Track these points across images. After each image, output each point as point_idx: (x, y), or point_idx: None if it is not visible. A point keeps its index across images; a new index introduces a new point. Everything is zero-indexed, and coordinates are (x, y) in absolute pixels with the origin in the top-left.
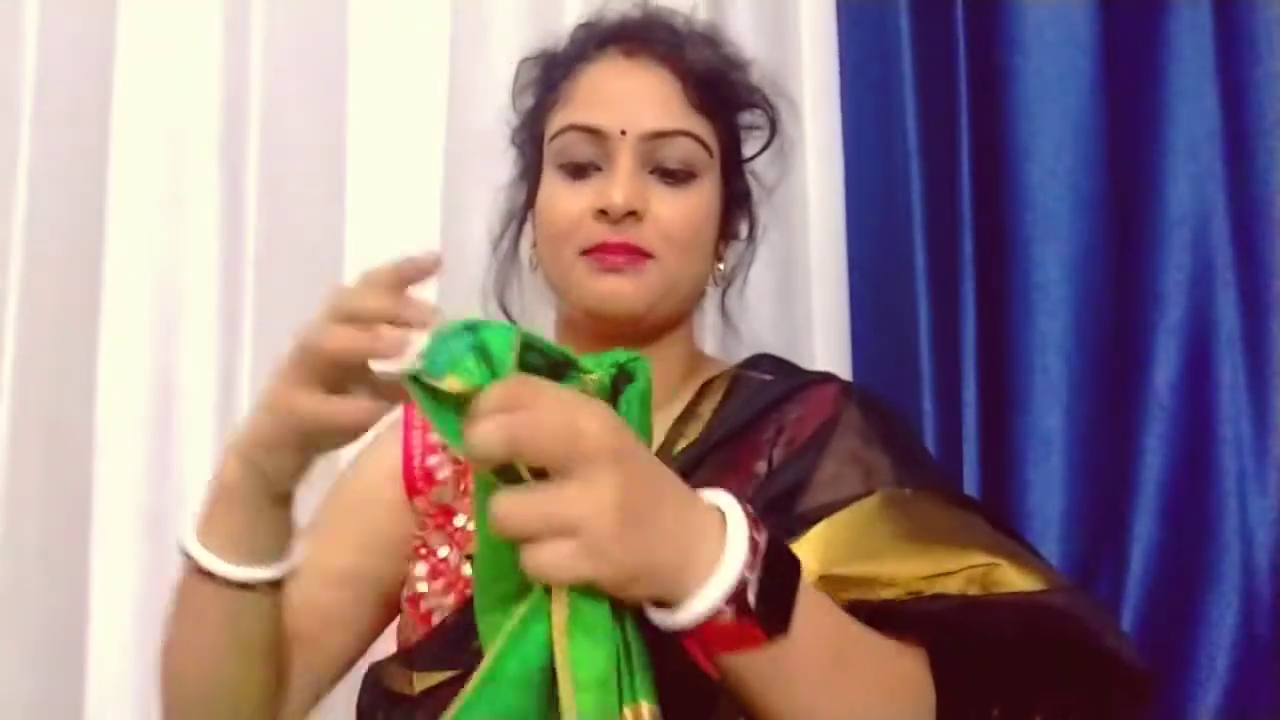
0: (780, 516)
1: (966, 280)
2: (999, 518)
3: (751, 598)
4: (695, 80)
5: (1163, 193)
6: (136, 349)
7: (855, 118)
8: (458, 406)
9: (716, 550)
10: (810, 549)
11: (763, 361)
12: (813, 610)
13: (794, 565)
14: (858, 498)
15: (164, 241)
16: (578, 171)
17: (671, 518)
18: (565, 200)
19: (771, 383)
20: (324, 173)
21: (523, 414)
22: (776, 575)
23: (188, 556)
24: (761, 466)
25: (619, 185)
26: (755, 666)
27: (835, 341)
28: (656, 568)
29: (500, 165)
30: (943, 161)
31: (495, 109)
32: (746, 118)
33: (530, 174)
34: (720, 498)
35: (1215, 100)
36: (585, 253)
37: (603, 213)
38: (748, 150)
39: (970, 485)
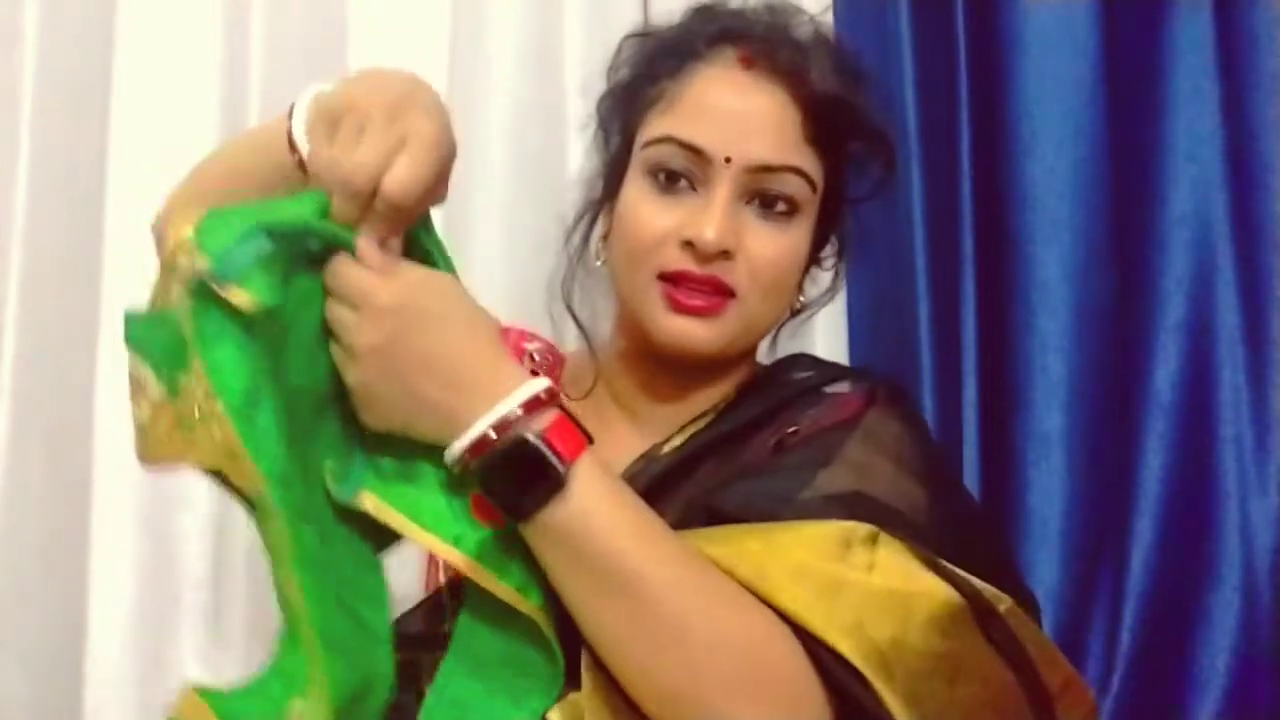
0: (765, 497)
1: (966, 280)
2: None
3: (475, 472)
4: (816, 109)
5: (1163, 193)
6: None
7: None
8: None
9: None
10: (746, 540)
11: (800, 361)
12: (599, 518)
13: (542, 465)
14: (841, 493)
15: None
16: (670, 187)
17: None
18: (652, 216)
19: (795, 383)
20: None
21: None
22: (525, 462)
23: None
24: (757, 455)
25: (714, 221)
26: (531, 539)
27: (835, 340)
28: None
29: (500, 166)
30: (943, 161)
31: (495, 109)
32: (859, 145)
33: (613, 168)
34: (537, 382)
35: (1215, 100)
36: (663, 277)
37: (690, 244)
38: (851, 176)
39: (970, 485)
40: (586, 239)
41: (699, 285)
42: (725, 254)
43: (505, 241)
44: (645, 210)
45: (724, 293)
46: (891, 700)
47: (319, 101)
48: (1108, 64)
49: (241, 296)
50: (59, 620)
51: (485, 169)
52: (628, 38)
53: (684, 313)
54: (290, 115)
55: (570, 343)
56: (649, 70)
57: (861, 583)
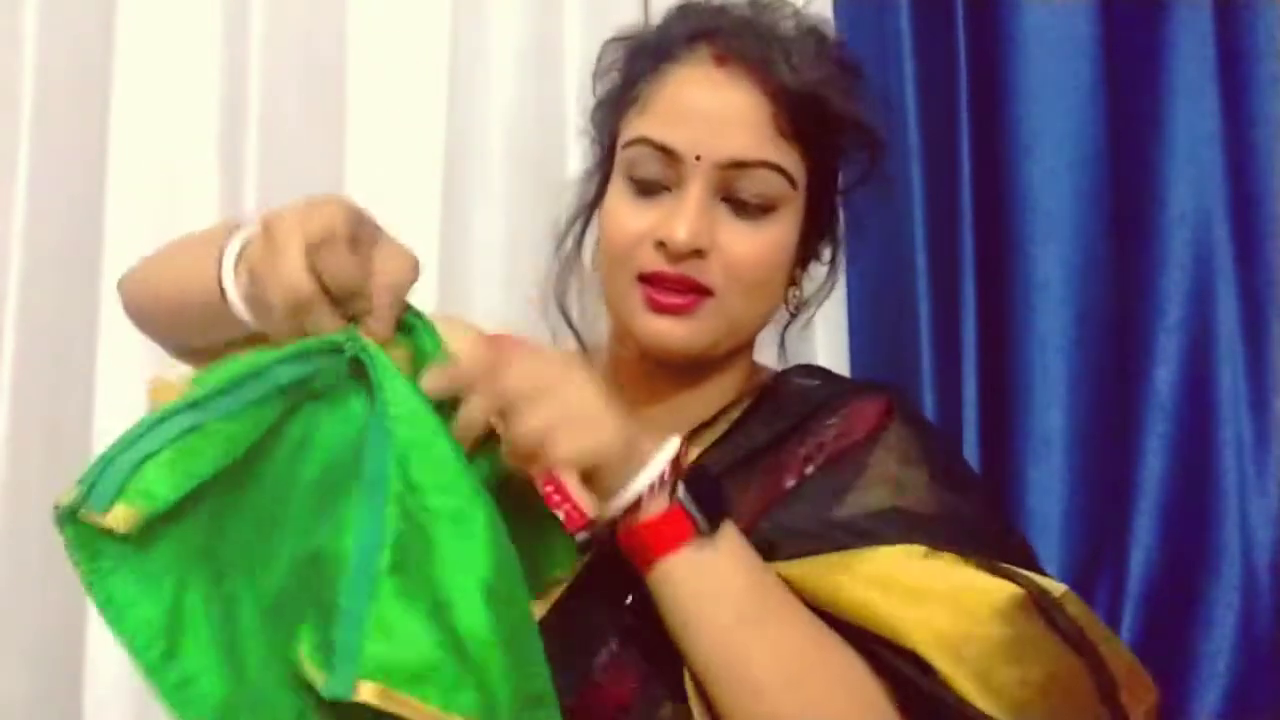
0: (808, 521)
1: (966, 280)
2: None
3: (680, 492)
4: (787, 102)
5: (1163, 193)
6: (136, 349)
7: None
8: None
9: (650, 455)
10: (819, 564)
11: (804, 372)
12: (743, 551)
13: (721, 488)
14: (882, 511)
15: (163, 241)
16: (646, 188)
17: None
18: (628, 219)
19: (810, 394)
20: (323, 172)
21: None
22: (703, 487)
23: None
24: (790, 482)
25: (684, 220)
26: (682, 573)
27: (835, 340)
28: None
29: (500, 166)
30: (943, 161)
31: (495, 109)
32: (844, 139)
33: (600, 172)
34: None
35: (1215, 100)
36: (642, 279)
37: (663, 244)
38: (846, 171)
39: None
40: (579, 243)
41: (674, 284)
42: (698, 253)
43: (505, 241)
44: (623, 213)
45: (699, 291)
46: (962, 682)
47: (243, 282)
48: (1108, 64)
49: (121, 515)
50: (59, 620)
51: (485, 169)
52: (609, 42)
53: (661, 312)
54: (223, 278)
55: (570, 345)
56: (629, 73)
57: (927, 589)
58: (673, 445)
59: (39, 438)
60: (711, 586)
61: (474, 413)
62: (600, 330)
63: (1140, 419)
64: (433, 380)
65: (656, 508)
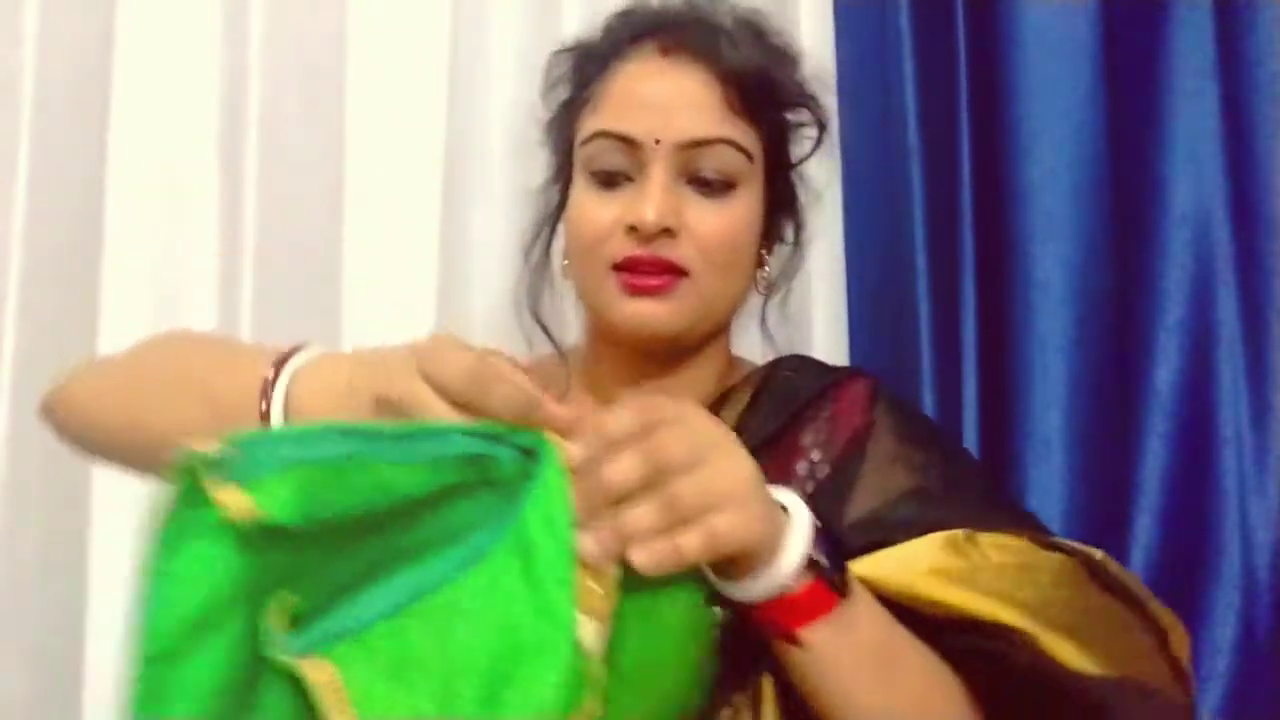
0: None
1: (966, 280)
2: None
3: (822, 563)
4: (736, 81)
5: (1163, 193)
6: None
7: (855, 117)
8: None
9: (786, 528)
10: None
11: (789, 363)
12: (871, 607)
13: (839, 538)
14: (904, 495)
15: (163, 241)
16: (609, 180)
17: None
18: (595, 211)
19: (799, 384)
20: (323, 172)
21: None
22: (835, 549)
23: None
24: (802, 466)
25: (651, 201)
26: (821, 642)
27: (835, 340)
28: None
29: (500, 166)
30: (943, 161)
31: (495, 109)
32: (793, 116)
33: (561, 178)
34: (779, 491)
35: (1215, 100)
36: (616, 267)
37: (634, 228)
38: (795, 149)
39: None
40: (547, 251)
41: (649, 266)
42: (668, 232)
43: (505, 241)
44: (589, 206)
45: (675, 271)
46: (1062, 646)
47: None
48: (1108, 64)
49: (237, 500)
50: (59, 620)
51: (485, 169)
52: (555, 54)
53: (639, 294)
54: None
55: (547, 350)
56: (579, 77)
57: (990, 564)
58: (806, 516)
59: (39, 438)
60: (850, 653)
61: (622, 473)
62: (576, 334)
63: (1140, 419)
64: (583, 445)
65: (799, 584)
